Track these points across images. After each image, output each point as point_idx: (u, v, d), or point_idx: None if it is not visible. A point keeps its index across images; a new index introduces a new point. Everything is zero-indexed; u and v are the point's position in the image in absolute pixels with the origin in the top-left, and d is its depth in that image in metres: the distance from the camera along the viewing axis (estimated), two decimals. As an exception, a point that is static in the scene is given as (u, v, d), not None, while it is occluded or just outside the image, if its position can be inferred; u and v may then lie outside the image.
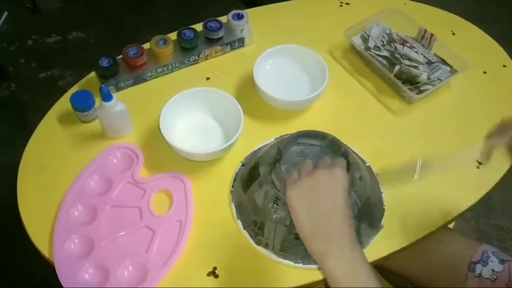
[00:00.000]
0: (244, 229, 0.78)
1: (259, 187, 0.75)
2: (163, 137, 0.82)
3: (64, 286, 0.72)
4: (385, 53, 1.00)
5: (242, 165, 0.85)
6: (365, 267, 0.56)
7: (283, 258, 0.75)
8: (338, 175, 0.62)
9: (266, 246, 0.76)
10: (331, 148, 0.75)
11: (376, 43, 1.02)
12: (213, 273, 0.74)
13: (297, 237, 0.72)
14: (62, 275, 0.73)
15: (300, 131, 0.76)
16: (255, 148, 0.87)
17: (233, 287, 0.74)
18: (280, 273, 0.75)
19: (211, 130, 0.90)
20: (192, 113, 0.90)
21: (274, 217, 0.73)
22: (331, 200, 0.60)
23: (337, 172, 0.63)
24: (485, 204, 1.62)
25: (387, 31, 1.05)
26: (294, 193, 0.62)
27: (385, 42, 1.03)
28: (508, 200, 1.64)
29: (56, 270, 0.74)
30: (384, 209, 0.81)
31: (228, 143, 0.81)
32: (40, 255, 0.77)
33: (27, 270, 1.41)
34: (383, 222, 0.80)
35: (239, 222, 0.79)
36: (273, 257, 0.76)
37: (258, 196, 0.75)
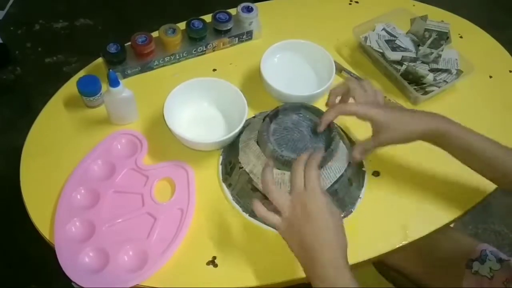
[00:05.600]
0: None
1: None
2: (167, 125, 0.83)
3: (64, 268, 0.72)
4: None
5: None
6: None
7: (237, 203, 0.80)
8: (316, 202, 0.63)
9: (229, 186, 0.82)
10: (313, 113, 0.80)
11: (381, 39, 1.02)
12: (212, 263, 0.75)
13: (253, 189, 0.77)
14: (62, 258, 0.73)
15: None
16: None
17: (232, 277, 0.74)
18: (279, 266, 0.75)
19: (215, 120, 0.91)
20: (197, 103, 0.91)
21: (241, 163, 0.79)
22: (316, 235, 0.62)
23: (314, 197, 0.64)
24: (484, 209, 1.63)
25: (393, 27, 1.05)
26: (282, 232, 0.66)
27: (389, 38, 1.03)
28: (506, 205, 1.65)
29: (57, 252, 0.74)
30: (364, 171, 0.86)
31: (232, 134, 0.82)
32: (39, 238, 0.78)
33: (26, 253, 1.42)
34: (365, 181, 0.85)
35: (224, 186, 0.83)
36: (230, 197, 0.81)
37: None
